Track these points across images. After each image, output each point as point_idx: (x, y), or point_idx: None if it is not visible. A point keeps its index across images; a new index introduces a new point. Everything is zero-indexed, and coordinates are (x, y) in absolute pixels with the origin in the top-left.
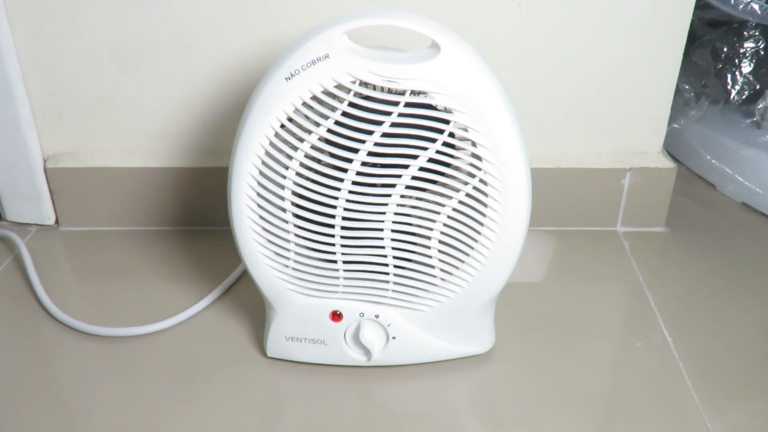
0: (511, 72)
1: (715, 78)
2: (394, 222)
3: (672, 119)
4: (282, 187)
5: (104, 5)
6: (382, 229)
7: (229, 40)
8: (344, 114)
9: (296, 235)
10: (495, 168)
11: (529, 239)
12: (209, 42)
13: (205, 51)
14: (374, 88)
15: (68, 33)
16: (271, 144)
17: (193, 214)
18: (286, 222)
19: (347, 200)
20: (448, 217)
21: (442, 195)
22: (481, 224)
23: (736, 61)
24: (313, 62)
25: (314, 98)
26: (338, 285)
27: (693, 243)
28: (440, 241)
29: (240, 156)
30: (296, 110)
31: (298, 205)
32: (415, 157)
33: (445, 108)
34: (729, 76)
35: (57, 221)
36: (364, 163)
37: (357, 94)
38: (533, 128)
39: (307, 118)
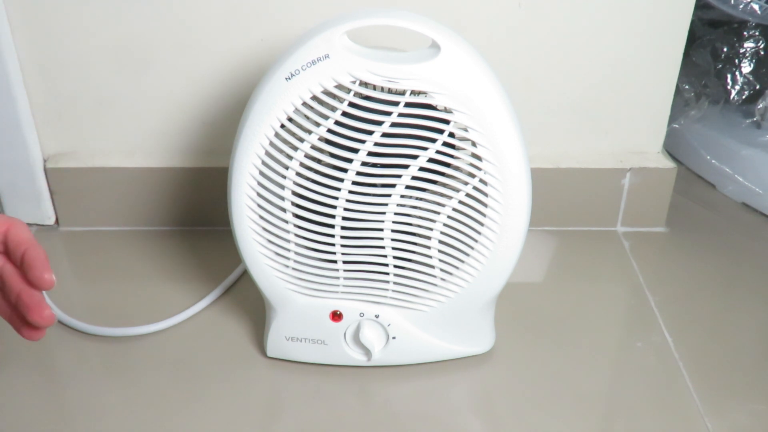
0: (511, 72)
1: (715, 78)
2: (394, 222)
3: (672, 119)
4: (282, 187)
5: (104, 5)
6: (382, 229)
7: (229, 40)
8: (344, 114)
9: (296, 235)
10: (495, 168)
11: (529, 239)
12: (209, 42)
13: (205, 51)
14: (374, 88)
15: (68, 33)
16: (271, 144)
17: (193, 214)
18: (286, 222)
19: (347, 200)
20: (448, 217)
21: (442, 195)
22: (481, 224)
23: (736, 61)
24: (313, 62)
25: (314, 98)
26: (338, 285)
27: (693, 243)
28: (440, 241)
29: (240, 156)
30: (296, 110)
31: (298, 205)
32: (415, 157)
33: (445, 108)
34: (729, 76)
35: (57, 221)
36: (364, 163)
37: (357, 94)
38: (533, 128)
39: (307, 118)
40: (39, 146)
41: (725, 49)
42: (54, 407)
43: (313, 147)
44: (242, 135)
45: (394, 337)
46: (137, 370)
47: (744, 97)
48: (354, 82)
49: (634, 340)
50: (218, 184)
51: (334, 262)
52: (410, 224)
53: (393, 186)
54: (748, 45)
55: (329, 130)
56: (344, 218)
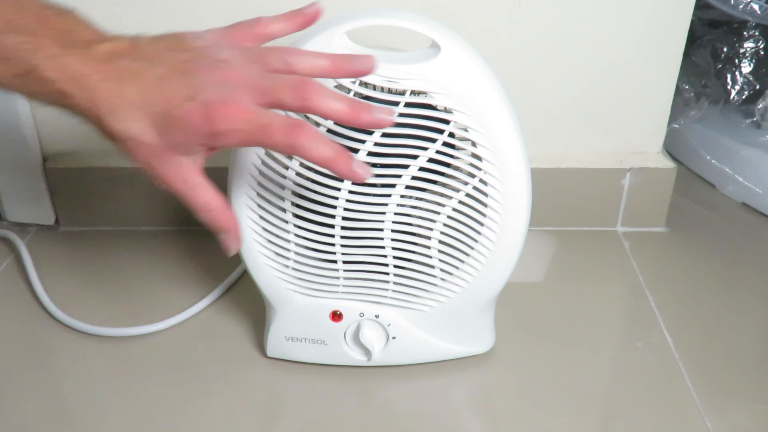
0: (511, 72)
1: (715, 78)
2: (394, 222)
3: (672, 119)
4: (282, 187)
5: (103, 5)
6: (382, 229)
7: None
8: None
9: (296, 235)
10: (495, 168)
11: (529, 239)
12: None
13: None
14: (374, 88)
15: None
16: None
17: (193, 214)
18: (286, 222)
19: (347, 200)
20: (448, 217)
21: (442, 195)
22: (481, 224)
23: (736, 61)
24: None
25: None
26: (338, 285)
27: (693, 243)
28: (440, 241)
29: (240, 156)
30: None
31: (298, 205)
32: (415, 157)
33: (445, 108)
34: (729, 76)
35: (57, 221)
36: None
37: (357, 94)
38: (533, 128)
39: (308, 117)
40: (39, 146)
41: (725, 49)
42: (54, 407)
43: None
44: None
45: (394, 337)
46: (137, 370)
47: (744, 97)
48: (354, 82)
49: (634, 340)
50: (218, 184)
51: (334, 262)
52: (410, 224)
53: (393, 186)
54: (748, 45)
55: (329, 130)
56: (344, 218)
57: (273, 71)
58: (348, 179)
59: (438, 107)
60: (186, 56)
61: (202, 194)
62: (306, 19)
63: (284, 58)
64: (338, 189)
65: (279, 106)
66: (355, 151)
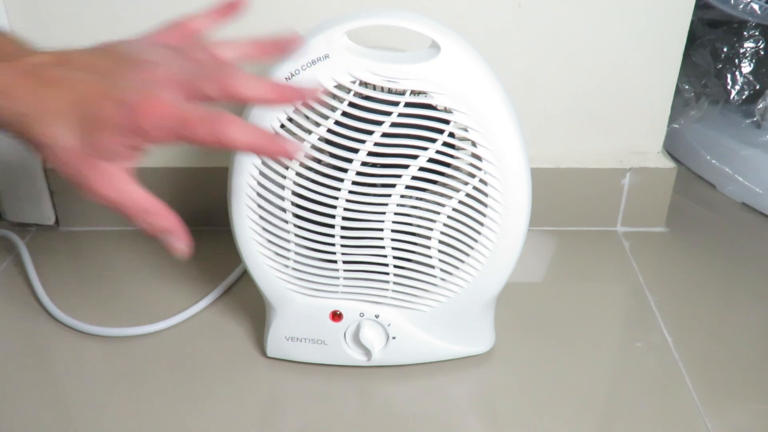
0: (511, 72)
1: (715, 78)
2: (394, 222)
3: (672, 119)
4: (282, 187)
5: (104, 5)
6: (382, 229)
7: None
8: (344, 114)
9: (296, 235)
10: (495, 168)
11: (529, 239)
12: None
13: None
14: (374, 88)
15: (68, 33)
16: None
17: (193, 214)
18: (286, 222)
19: (347, 200)
20: (448, 217)
21: (442, 195)
22: (481, 224)
23: (736, 61)
24: (313, 62)
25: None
26: (338, 285)
27: (693, 243)
28: (440, 241)
29: (240, 156)
30: (296, 110)
31: (298, 205)
32: (415, 157)
33: (445, 108)
34: (729, 76)
35: (57, 221)
36: (364, 163)
37: (357, 94)
38: (533, 128)
39: (307, 118)
40: None
41: (725, 49)
42: (54, 407)
43: (313, 147)
44: None
45: (394, 337)
46: (137, 370)
47: (744, 97)
48: (354, 82)
49: (634, 340)
50: (218, 184)
51: (334, 262)
52: (410, 224)
53: (393, 186)
54: (748, 45)
55: (329, 130)
56: (344, 218)
57: (197, 63)
58: (279, 157)
59: (438, 107)
60: (111, 61)
61: (137, 199)
62: (231, 10)
63: (209, 50)
64: (338, 189)
65: (202, 96)
66: (355, 150)
